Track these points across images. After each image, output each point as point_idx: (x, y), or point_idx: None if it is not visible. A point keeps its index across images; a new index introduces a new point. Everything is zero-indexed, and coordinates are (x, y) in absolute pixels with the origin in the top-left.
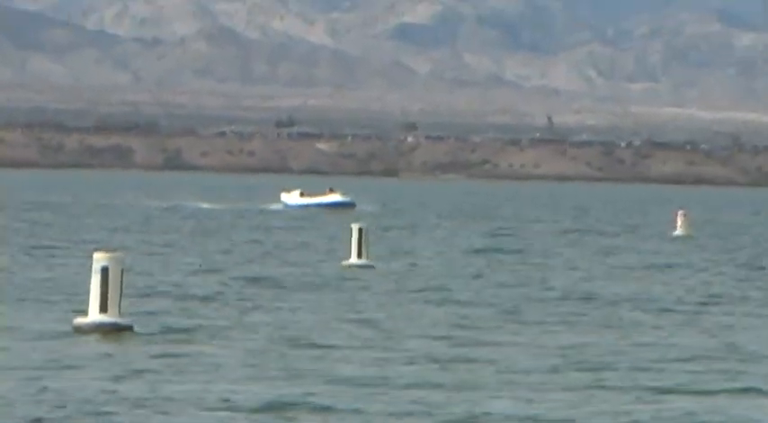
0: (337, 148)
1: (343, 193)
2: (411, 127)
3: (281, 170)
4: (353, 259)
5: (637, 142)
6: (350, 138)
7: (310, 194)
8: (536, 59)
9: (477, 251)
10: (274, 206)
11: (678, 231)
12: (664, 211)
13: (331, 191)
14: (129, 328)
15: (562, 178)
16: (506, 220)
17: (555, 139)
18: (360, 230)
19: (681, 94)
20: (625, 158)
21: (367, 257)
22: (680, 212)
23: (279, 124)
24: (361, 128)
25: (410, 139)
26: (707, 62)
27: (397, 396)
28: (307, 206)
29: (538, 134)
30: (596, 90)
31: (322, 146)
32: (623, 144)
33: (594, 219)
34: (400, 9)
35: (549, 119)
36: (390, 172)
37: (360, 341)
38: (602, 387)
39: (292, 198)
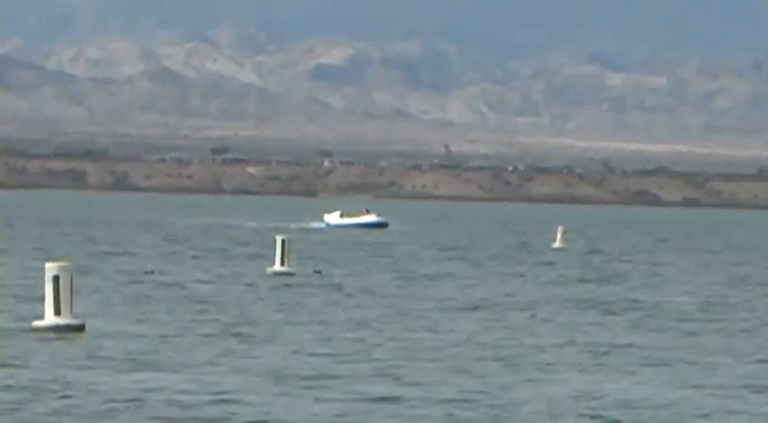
0: (264, 171)
1: (378, 215)
2: (327, 154)
3: (216, 191)
4: (277, 267)
5: (521, 167)
6: (274, 163)
7: (349, 215)
8: (434, 96)
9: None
10: (317, 225)
11: (557, 244)
12: (544, 226)
13: (367, 212)
14: (80, 328)
15: (457, 198)
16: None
17: (451, 165)
18: (283, 242)
19: (559, 126)
20: (511, 181)
21: (288, 265)
22: (559, 228)
23: (213, 151)
24: (283, 154)
25: (326, 164)
26: (582, 99)
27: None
28: (346, 225)
29: (436, 160)
30: (487, 122)
31: (251, 170)
32: (510, 169)
33: (487, 234)
34: (317, 52)
35: (446, 147)
36: (309, 192)
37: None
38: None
39: (333, 218)
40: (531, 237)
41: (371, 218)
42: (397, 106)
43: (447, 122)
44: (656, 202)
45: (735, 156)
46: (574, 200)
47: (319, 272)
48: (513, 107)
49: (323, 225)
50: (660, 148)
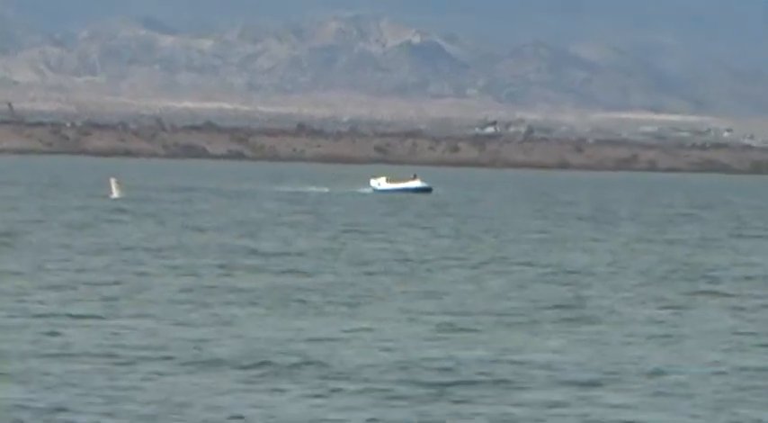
0: None
1: (422, 180)
2: None
3: None
4: None
5: (79, 123)
6: None
7: (395, 180)
8: None
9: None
10: (364, 190)
11: (114, 194)
12: (101, 177)
13: (414, 177)
14: None
15: (20, 152)
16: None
17: (14, 121)
18: None
19: (115, 85)
20: (69, 136)
21: None
22: (113, 179)
23: None
24: None
25: None
26: (136, 59)
27: None
28: (392, 190)
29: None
30: (47, 81)
31: None
32: (69, 124)
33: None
34: None
35: (10, 105)
36: None
37: None
38: None
39: (380, 183)
40: (93, 189)
41: (417, 183)
42: None
43: (11, 82)
44: (204, 154)
45: (275, 113)
46: (128, 153)
47: None
48: (72, 67)
49: (369, 190)
50: (207, 105)
